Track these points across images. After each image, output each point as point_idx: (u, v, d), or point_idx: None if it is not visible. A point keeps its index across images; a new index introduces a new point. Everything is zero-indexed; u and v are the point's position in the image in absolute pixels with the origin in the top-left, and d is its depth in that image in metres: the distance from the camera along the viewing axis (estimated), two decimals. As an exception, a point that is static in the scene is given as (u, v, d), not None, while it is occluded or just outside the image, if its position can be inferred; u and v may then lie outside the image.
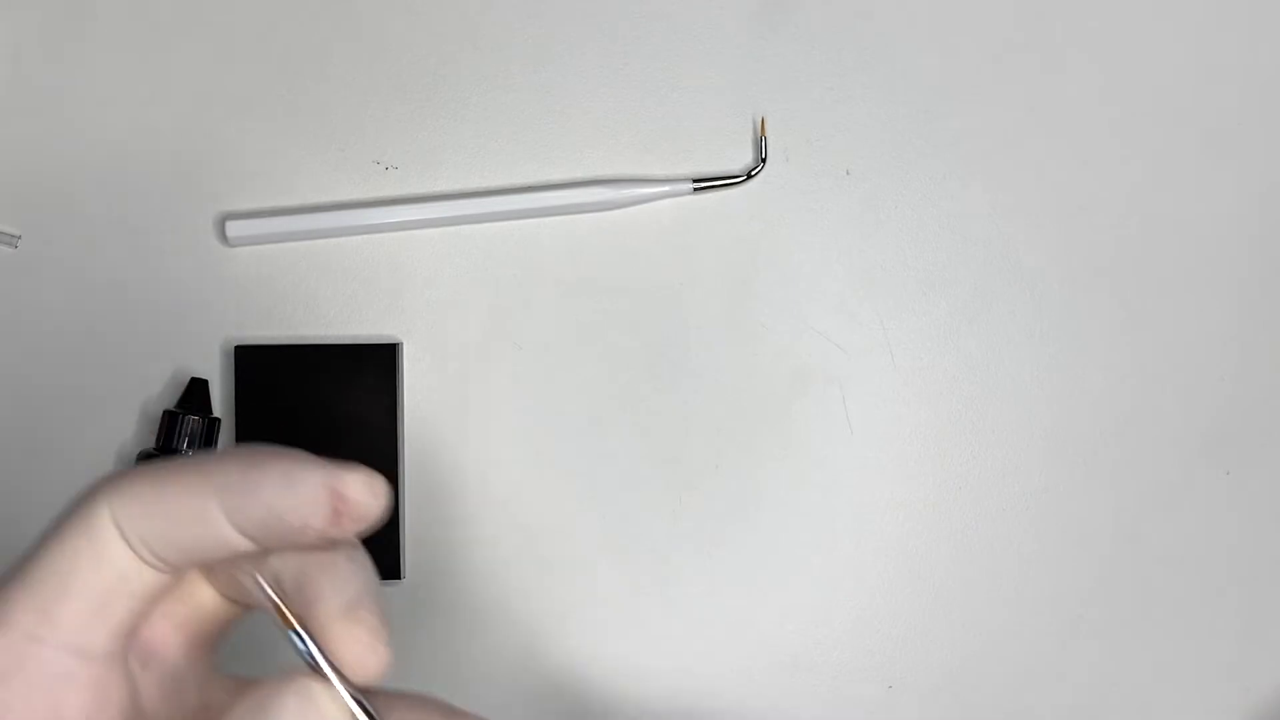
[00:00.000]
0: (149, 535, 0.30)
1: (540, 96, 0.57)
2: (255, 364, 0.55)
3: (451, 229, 0.57)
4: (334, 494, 0.30)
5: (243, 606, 0.34)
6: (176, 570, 0.32)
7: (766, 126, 0.57)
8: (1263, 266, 0.58)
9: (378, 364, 0.55)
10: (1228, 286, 0.58)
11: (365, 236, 0.57)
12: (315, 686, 0.29)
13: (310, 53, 0.57)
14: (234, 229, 0.55)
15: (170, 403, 0.56)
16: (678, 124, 0.57)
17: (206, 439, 0.54)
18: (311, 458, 0.31)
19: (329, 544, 0.31)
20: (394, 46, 0.57)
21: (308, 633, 0.30)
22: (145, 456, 0.54)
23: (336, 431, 0.55)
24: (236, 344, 0.55)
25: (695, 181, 0.56)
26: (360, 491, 0.31)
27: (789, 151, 0.57)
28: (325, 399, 0.55)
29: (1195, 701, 0.58)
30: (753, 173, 0.57)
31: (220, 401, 0.56)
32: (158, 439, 0.55)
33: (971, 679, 0.58)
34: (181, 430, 0.54)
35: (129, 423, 0.56)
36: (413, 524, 0.56)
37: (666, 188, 0.56)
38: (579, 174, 0.57)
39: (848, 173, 0.58)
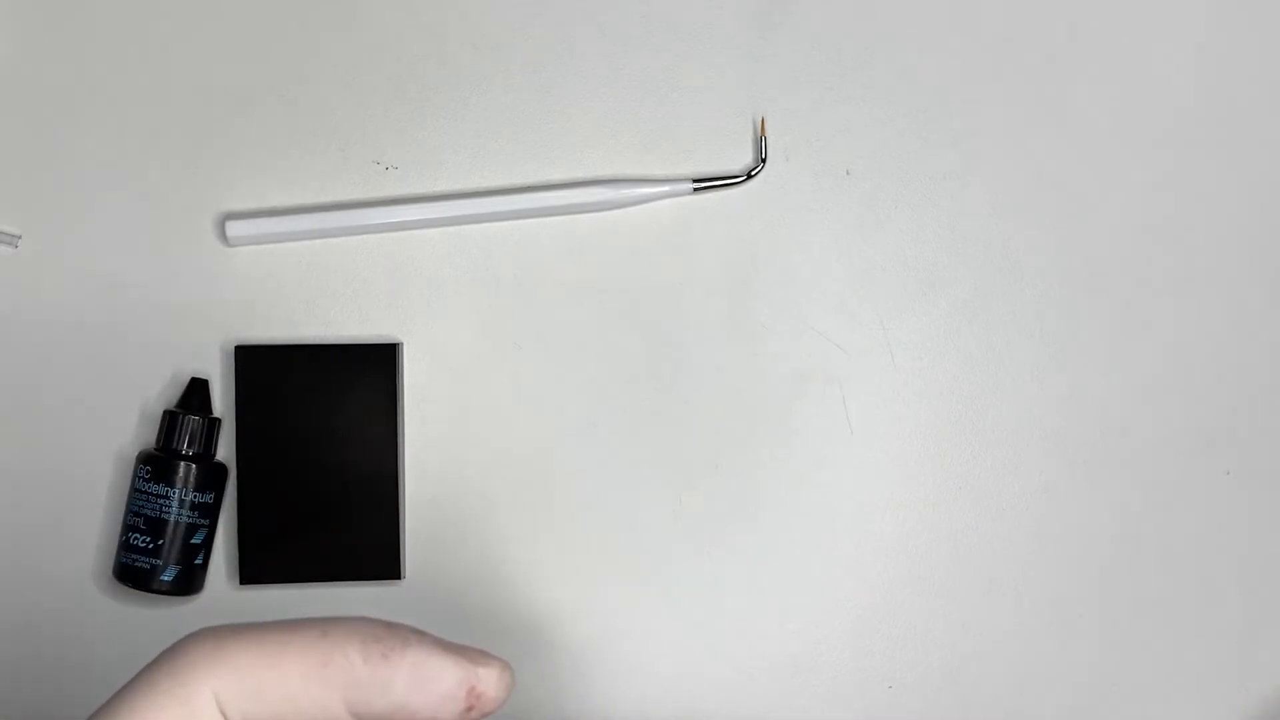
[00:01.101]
0: (257, 716, 0.29)
1: (540, 96, 0.57)
2: (255, 364, 0.55)
3: (451, 229, 0.57)
4: (470, 691, 0.29)
5: None
6: None
7: (766, 126, 0.57)
8: (1263, 266, 0.58)
9: (378, 365, 0.55)
10: (1228, 286, 0.58)
11: (365, 236, 0.57)
12: None
13: (310, 53, 0.57)
14: (234, 229, 0.55)
15: (170, 403, 0.56)
16: (678, 124, 0.57)
17: (206, 439, 0.54)
18: (440, 645, 0.29)
19: None
20: (394, 46, 0.57)
21: None
22: (145, 457, 0.54)
23: (337, 431, 0.55)
24: (236, 344, 0.55)
25: (695, 181, 0.56)
26: (496, 688, 0.30)
27: (789, 151, 0.57)
28: (325, 399, 0.55)
29: (1195, 701, 0.58)
30: (753, 173, 0.57)
31: (220, 401, 0.56)
32: (158, 439, 0.55)
33: (971, 679, 0.58)
34: (181, 430, 0.54)
35: (129, 423, 0.56)
36: (413, 524, 0.56)
37: (666, 188, 0.56)
38: (579, 174, 0.57)
39: (848, 173, 0.58)
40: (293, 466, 0.55)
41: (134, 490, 0.54)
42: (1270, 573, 0.58)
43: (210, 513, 0.54)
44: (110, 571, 0.56)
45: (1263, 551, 0.58)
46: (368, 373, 0.55)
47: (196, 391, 0.55)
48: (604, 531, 0.57)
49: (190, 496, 0.53)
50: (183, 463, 0.53)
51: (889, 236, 0.58)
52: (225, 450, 0.56)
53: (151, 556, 0.53)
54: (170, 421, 0.54)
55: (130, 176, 0.56)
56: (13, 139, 0.56)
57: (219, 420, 0.55)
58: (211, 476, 0.54)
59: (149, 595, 0.55)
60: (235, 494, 0.55)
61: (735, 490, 0.57)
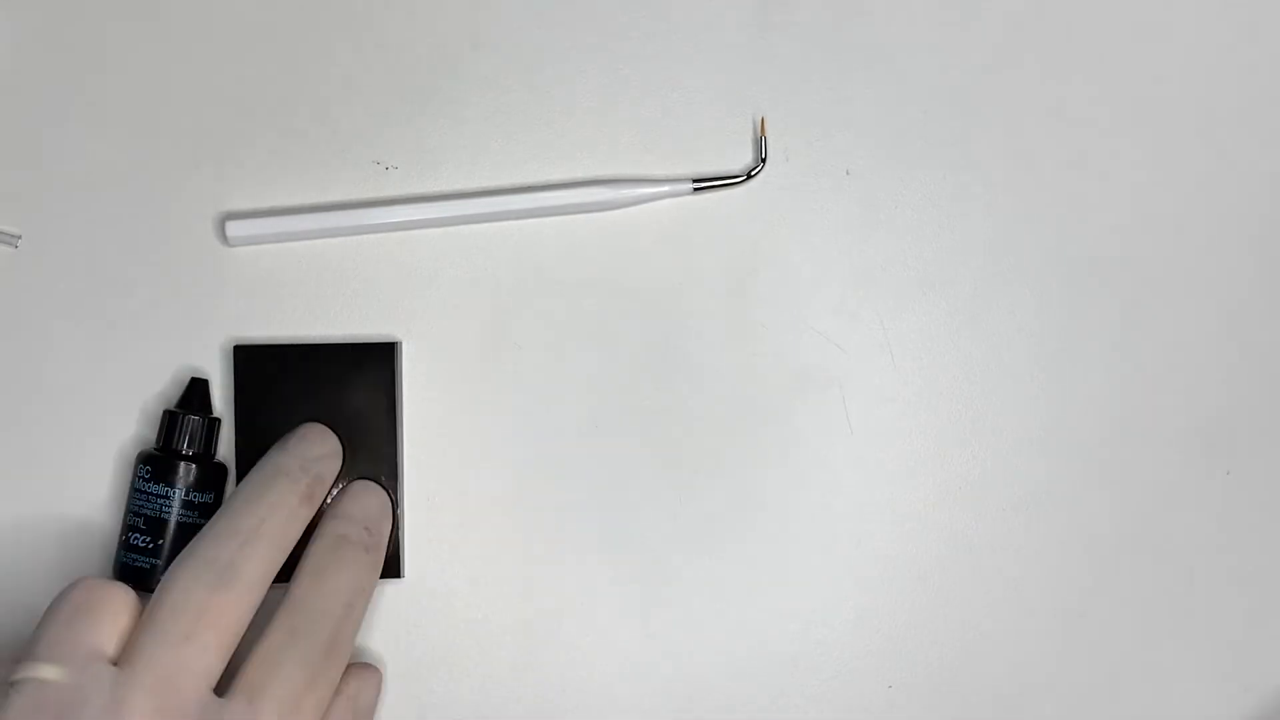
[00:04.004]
0: None
1: (540, 96, 0.57)
2: (255, 364, 0.55)
3: (451, 229, 0.57)
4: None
5: None
6: None
7: (766, 126, 0.57)
8: (1262, 266, 0.58)
9: (378, 364, 0.55)
10: (1228, 286, 0.58)
11: (365, 236, 0.57)
12: None
13: (310, 53, 0.57)
14: (234, 229, 0.55)
15: (170, 403, 0.56)
16: (678, 124, 0.57)
17: (206, 439, 0.54)
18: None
19: None
20: (394, 46, 0.57)
21: None
22: (145, 457, 0.54)
23: (336, 431, 0.55)
24: (236, 344, 0.55)
25: (695, 181, 0.56)
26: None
27: (789, 151, 0.58)
28: (325, 398, 0.55)
29: (1195, 701, 0.58)
30: (753, 173, 0.57)
31: (220, 401, 0.56)
32: (158, 439, 0.55)
33: (971, 679, 0.58)
34: (181, 430, 0.54)
35: (129, 423, 0.56)
36: (413, 524, 0.56)
37: (666, 188, 0.56)
38: (579, 174, 0.57)
39: (848, 173, 0.58)
40: None
41: (134, 490, 0.54)
42: (1270, 573, 0.58)
43: (210, 513, 0.54)
44: (110, 571, 0.56)
45: (1263, 551, 0.58)
46: (368, 372, 0.55)
47: (196, 391, 0.55)
48: (604, 531, 0.57)
49: (190, 496, 0.53)
50: (183, 463, 0.53)
51: (889, 236, 0.58)
52: (225, 450, 0.56)
53: (151, 556, 0.53)
54: (170, 421, 0.54)
55: (130, 176, 0.56)
56: (13, 139, 0.56)
57: (219, 420, 0.55)
58: (211, 476, 0.54)
59: (149, 595, 0.54)
60: (235, 494, 0.55)
61: (735, 490, 0.57)
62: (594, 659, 0.57)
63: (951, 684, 0.58)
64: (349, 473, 0.55)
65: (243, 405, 0.55)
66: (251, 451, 0.55)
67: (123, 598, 0.47)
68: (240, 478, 0.55)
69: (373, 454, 0.55)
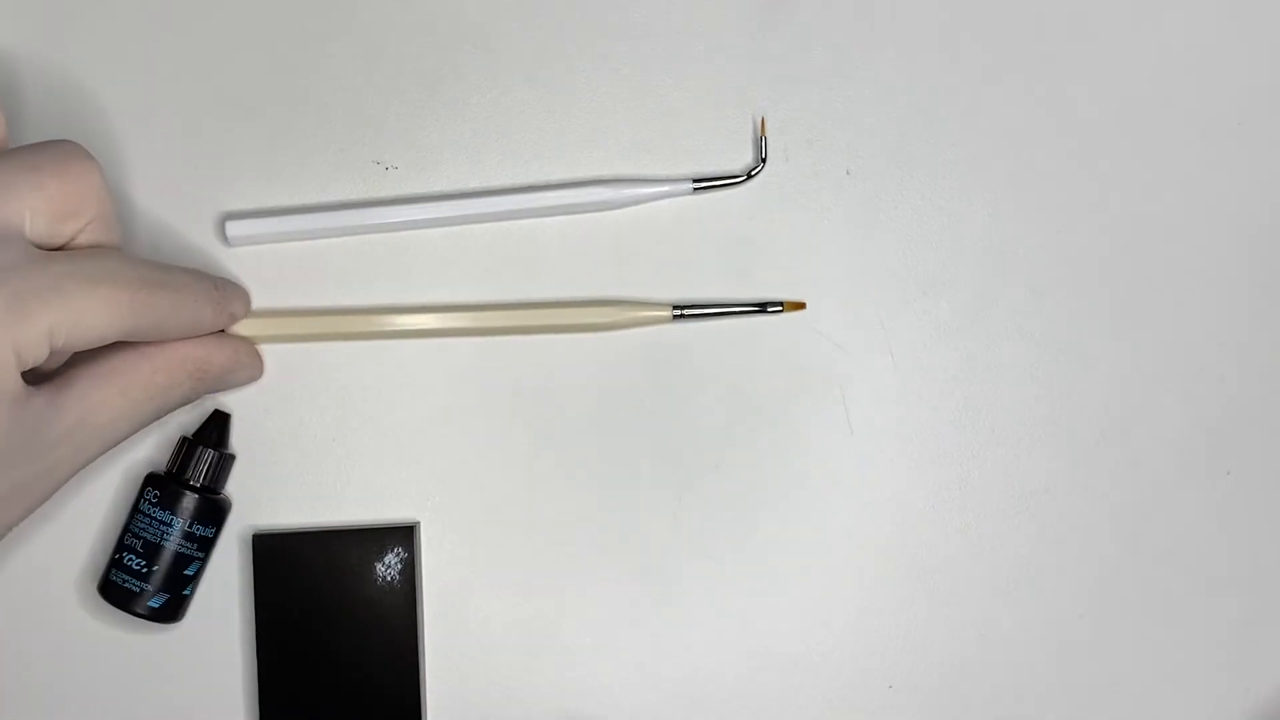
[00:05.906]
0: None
1: (540, 96, 0.57)
2: (274, 551, 0.54)
3: (451, 229, 0.57)
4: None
5: None
6: None
7: (766, 126, 0.57)
8: (1262, 266, 0.58)
9: (396, 542, 0.54)
10: (1227, 286, 0.58)
11: (365, 236, 0.57)
12: None
13: (310, 53, 0.57)
14: (234, 229, 0.55)
15: (175, 418, 0.55)
16: (678, 124, 0.57)
17: (217, 474, 0.53)
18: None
19: None
20: (394, 46, 0.57)
21: None
22: (154, 480, 0.53)
23: (355, 613, 0.54)
24: (255, 533, 0.54)
25: (695, 181, 0.56)
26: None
27: (789, 151, 0.57)
28: (346, 583, 0.54)
29: (1195, 701, 0.58)
30: (753, 173, 0.57)
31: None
32: (170, 463, 0.54)
33: (971, 679, 0.58)
34: (197, 461, 0.53)
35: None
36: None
37: (666, 188, 0.56)
38: (579, 174, 0.57)
39: (848, 173, 0.58)
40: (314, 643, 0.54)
41: (137, 511, 0.53)
42: (1270, 573, 0.58)
43: (207, 546, 0.53)
44: (95, 585, 0.55)
45: (1263, 551, 0.58)
46: (385, 550, 0.54)
47: (216, 424, 0.54)
48: (604, 531, 0.57)
49: (192, 528, 0.52)
50: (191, 494, 0.52)
51: (889, 236, 0.58)
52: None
53: (142, 580, 0.52)
54: (186, 450, 0.53)
55: (130, 176, 0.56)
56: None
57: (233, 457, 0.55)
58: (216, 511, 0.53)
59: (128, 616, 0.53)
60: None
61: (735, 490, 0.57)
62: (594, 659, 0.57)
63: (951, 684, 0.58)
64: (370, 650, 0.55)
65: (263, 593, 0.54)
66: (273, 634, 0.54)
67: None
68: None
69: (393, 642, 0.54)
